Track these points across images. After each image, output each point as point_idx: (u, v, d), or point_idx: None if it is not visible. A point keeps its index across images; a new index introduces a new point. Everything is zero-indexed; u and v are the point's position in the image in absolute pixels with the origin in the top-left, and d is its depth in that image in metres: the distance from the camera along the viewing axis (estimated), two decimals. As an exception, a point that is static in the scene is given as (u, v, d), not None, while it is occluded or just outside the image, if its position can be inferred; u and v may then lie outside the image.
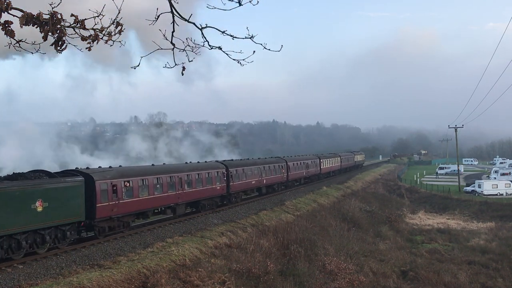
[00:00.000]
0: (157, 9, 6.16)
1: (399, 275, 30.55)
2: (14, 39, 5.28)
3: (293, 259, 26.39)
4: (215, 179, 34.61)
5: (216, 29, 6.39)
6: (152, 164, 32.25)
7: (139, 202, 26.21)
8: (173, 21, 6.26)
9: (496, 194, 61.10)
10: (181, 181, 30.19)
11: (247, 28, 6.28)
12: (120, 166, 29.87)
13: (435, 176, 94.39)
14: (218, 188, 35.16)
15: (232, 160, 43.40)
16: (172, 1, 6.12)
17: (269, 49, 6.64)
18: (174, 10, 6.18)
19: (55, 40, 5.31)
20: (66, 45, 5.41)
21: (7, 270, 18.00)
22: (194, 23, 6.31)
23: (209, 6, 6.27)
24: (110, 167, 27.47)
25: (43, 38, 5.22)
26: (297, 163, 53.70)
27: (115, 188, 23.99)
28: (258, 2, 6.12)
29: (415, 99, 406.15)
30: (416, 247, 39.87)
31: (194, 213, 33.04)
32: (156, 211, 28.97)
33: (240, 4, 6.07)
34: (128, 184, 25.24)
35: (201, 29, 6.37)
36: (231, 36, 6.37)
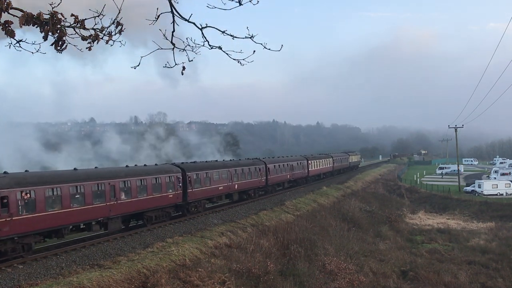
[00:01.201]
0: (157, 9, 6.16)
1: (399, 275, 30.54)
2: (14, 39, 5.28)
3: (293, 259, 26.38)
4: (165, 185, 29.06)
5: (216, 29, 6.39)
6: (75, 168, 25.12)
7: (46, 218, 20.77)
8: (173, 21, 6.25)
9: (496, 194, 61.09)
10: (114, 189, 24.68)
11: (247, 28, 6.28)
12: (26, 170, 22.84)
13: (440, 177, 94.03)
14: (171, 196, 29.50)
15: (195, 162, 36.92)
16: (172, 1, 6.11)
17: (269, 49, 6.64)
18: (174, 10, 6.18)
19: (55, 40, 5.30)
20: (66, 45, 5.41)
21: (7, 270, 18.01)
22: (194, 23, 6.31)
23: (209, 6, 6.27)
24: (26, 171, 22.61)
25: (43, 38, 5.22)
26: (279, 165, 48.57)
27: (5, 201, 19.05)
28: (258, 2, 6.12)
29: (415, 99, 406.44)
30: (416, 247, 39.87)
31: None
32: (75, 227, 23.33)
33: (240, 4, 6.07)
34: (27, 195, 20.13)
35: (201, 29, 6.37)
36: (231, 36, 6.37)
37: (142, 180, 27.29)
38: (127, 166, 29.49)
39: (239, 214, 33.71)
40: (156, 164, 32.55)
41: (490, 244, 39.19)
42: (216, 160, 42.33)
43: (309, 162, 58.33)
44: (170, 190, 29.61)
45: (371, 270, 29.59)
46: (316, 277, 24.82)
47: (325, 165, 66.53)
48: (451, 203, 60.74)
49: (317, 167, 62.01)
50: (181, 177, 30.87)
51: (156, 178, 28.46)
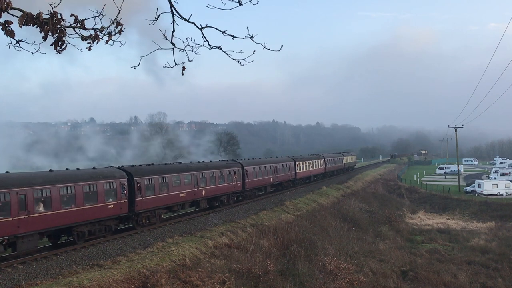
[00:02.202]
0: (157, 9, 6.16)
1: (399, 275, 30.55)
2: (14, 39, 5.28)
3: (293, 259, 26.38)
4: (103, 193, 24.23)
5: (216, 29, 6.39)
6: None
7: None
8: (173, 21, 6.25)
9: (496, 194, 61.08)
10: (25, 200, 19.97)
11: (247, 28, 6.28)
12: None
13: (443, 177, 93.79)
14: (111, 206, 24.54)
15: (150, 165, 31.86)
16: (172, 1, 6.11)
17: (269, 49, 6.64)
18: (174, 10, 6.18)
19: (55, 40, 5.30)
20: (66, 45, 5.41)
21: (7, 270, 18.00)
22: (194, 23, 6.31)
23: (209, 6, 6.27)
24: None
25: (43, 38, 5.22)
26: (259, 168, 43.41)
27: None
28: (258, 2, 6.12)
29: (415, 99, 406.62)
30: (416, 247, 39.87)
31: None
32: None
33: (240, 4, 6.07)
34: None
35: (201, 29, 6.37)
36: (231, 36, 6.37)
37: (69, 188, 22.20)
38: (50, 170, 23.87)
39: (239, 214, 33.71)
40: (94, 168, 27.00)
41: (490, 244, 39.19)
42: (180, 163, 36.28)
43: (297, 163, 53.63)
44: (111, 199, 24.40)
45: (371, 270, 29.59)
46: (316, 277, 24.82)
47: (315, 167, 61.56)
48: (451, 203, 60.73)
49: (306, 168, 57.33)
50: (126, 183, 25.60)
51: (90, 185, 23.48)
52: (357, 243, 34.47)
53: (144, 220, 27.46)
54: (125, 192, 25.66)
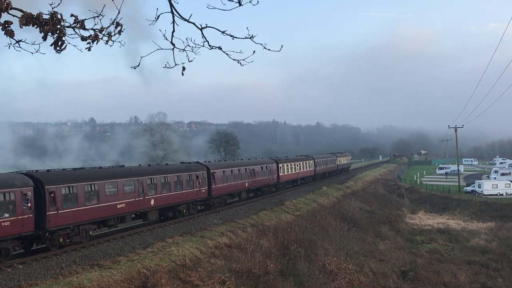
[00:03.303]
0: (157, 9, 6.17)
1: (399, 275, 30.55)
2: (14, 39, 5.28)
3: (293, 259, 26.38)
4: None
5: (216, 29, 6.39)
6: None
7: None
8: (173, 21, 6.25)
9: (496, 194, 61.08)
10: None
11: (247, 28, 6.28)
12: None
13: (444, 177, 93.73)
14: (7, 224, 19.10)
15: (77, 169, 25.00)
16: (172, 1, 6.11)
17: (269, 49, 6.64)
18: (174, 10, 6.18)
19: (54, 40, 5.31)
20: (66, 45, 5.41)
21: (7, 270, 18.01)
22: (194, 23, 6.31)
23: (209, 6, 6.27)
24: None
25: (42, 38, 5.22)
26: (231, 171, 37.96)
27: None
28: (258, 2, 6.12)
29: (415, 99, 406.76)
30: (416, 247, 39.87)
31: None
32: None
33: (240, 4, 6.07)
34: None
35: (201, 29, 6.37)
36: (231, 36, 6.37)
37: None
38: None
39: (239, 214, 33.71)
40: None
41: (490, 244, 39.18)
42: (123, 165, 30.81)
43: (280, 165, 48.64)
44: (6, 215, 19.08)
45: (371, 270, 29.59)
46: (316, 277, 24.82)
47: (303, 169, 56.59)
48: (451, 203, 60.73)
49: (291, 171, 52.25)
50: (31, 194, 20.32)
51: None
52: (357, 243, 34.47)
53: (61, 239, 21.75)
54: (29, 204, 20.21)
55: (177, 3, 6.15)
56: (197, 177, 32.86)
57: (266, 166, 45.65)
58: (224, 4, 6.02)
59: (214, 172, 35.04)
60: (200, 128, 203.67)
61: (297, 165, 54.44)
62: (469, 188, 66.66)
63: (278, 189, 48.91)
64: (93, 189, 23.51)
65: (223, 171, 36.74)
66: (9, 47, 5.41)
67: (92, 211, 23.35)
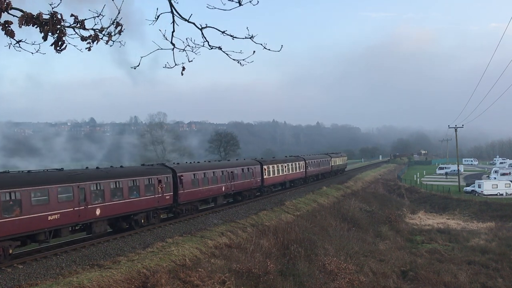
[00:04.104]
0: (157, 9, 6.17)
1: (399, 275, 30.54)
2: (14, 39, 5.28)
3: (293, 259, 26.39)
4: None
5: (216, 29, 6.39)
6: None
7: None
8: (173, 21, 6.25)
9: (496, 194, 61.10)
10: None
11: (247, 28, 6.28)
12: None
13: (444, 177, 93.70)
14: None
15: (22, 171, 22.83)
16: (172, 1, 6.12)
17: (269, 49, 6.64)
18: (174, 10, 6.18)
19: (55, 40, 5.31)
20: (66, 45, 5.41)
21: (7, 270, 18.01)
22: (194, 23, 6.31)
23: (209, 6, 6.27)
24: None
25: (43, 38, 5.22)
26: (203, 174, 33.85)
27: None
28: (258, 2, 6.12)
29: (415, 99, 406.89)
30: (416, 247, 39.87)
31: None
32: None
33: (240, 4, 6.07)
34: None
35: (201, 29, 6.37)
36: (231, 36, 6.37)
37: None
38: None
39: (239, 214, 33.70)
40: None
41: (490, 244, 39.19)
42: (61, 169, 24.51)
43: (265, 167, 44.71)
44: None
45: (371, 270, 29.59)
46: (316, 277, 24.83)
47: (292, 171, 52.94)
48: (451, 203, 60.75)
49: (278, 173, 48.31)
50: None
51: None
52: (357, 243, 34.47)
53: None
54: None
55: (177, 3, 6.16)
56: (160, 181, 28.67)
57: (248, 168, 41.44)
58: (224, 4, 6.03)
59: (182, 176, 31.03)
60: (200, 128, 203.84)
61: (285, 166, 50.76)
62: (469, 188, 66.69)
63: (262, 193, 45.08)
64: (13, 197, 19.43)
65: (194, 174, 32.69)
66: (9, 47, 5.41)
67: (12, 225, 19.27)
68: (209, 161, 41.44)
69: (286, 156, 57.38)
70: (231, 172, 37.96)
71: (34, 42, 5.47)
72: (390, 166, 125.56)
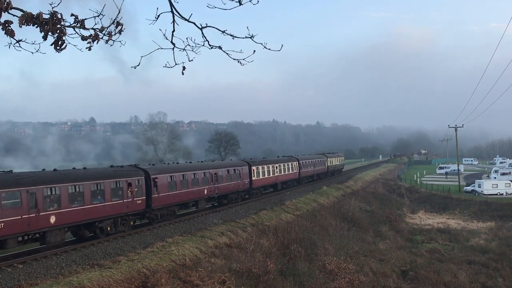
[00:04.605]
0: (157, 8, 6.16)
1: (399, 275, 30.54)
2: (14, 39, 5.28)
3: (293, 259, 26.39)
4: None
5: (216, 28, 6.39)
6: None
7: None
8: (173, 21, 6.25)
9: (496, 194, 61.09)
10: None
11: (247, 27, 6.28)
12: None
13: (444, 177, 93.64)
14: None
15: None
16: (172, 1, 6.11)
17: (269, 49, 6.64)
18: (174, 10, 6.18)
19: (55, 40, 5.30)
20: (66, 45, 5.41)
21: (7, 270, 18.01)
22: (194, 23, 6.31)
23: (209, 6, 6.27)
24: None
25: (43, 38, 5.22)
26: (182, 176, 31.37)
27: None
28: (258, 1, 6.11)
29: (415, 99, 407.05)
30: (416, 247, 39.87)
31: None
32: None
33: (240, 4, 6.07)
34: None
35: (201, 29, 6.37)
36: (231, 35, 6.37)
37: None
38: None
39: (239, 214, 33.71)
40: None
41: (490, 244, 39.20)
42: (10, 171, 22.35)
43: (253, 168, 42.17)
44: None
45: (371, 270, 29.59)
46: (316, 276, 24.82)
47: (284, 171, 50.38)
48: (451, 203, 60.75)
49: (268, 174, 45.74)
50: None
51: None
52: (357, 243, 34.48)
53: None
54: None
55: (177, 2, 6.15)
56: (130, 184, 26.06)
57: (235, 170, 39.00)
58: (224, 4, 6.02)
59: (156, 178, 28.44)
60: (200, 128, 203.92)
61: (276, 167, 48.08)
62: (469, 188, 66.68)
63: (250, 196, 42.38)
64: None
65: (170, 177, 30.14)
66: (9, 47, 5.41)
67: None
68: (190, 162, 38.98)
69: (278, 157, 55.85)
70: (215, 173, 35.53)
71: (34, 41, 5.47)
72: (390, 165, 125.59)
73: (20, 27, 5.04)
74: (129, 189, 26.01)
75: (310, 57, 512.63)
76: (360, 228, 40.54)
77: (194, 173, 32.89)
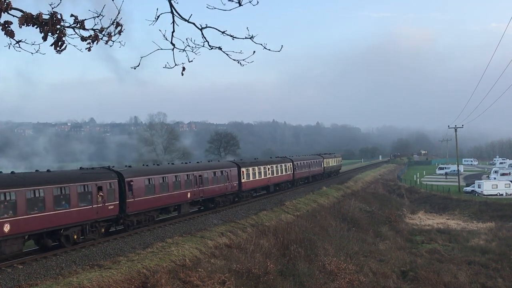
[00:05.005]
0: (157, 9, 6.17)
1: (399, 275, 30.55)
2: (14, 40, 5.28)
3: (293, 259, 26.39)
4: None
5: (216, 29, 6.39)
6: None
7: None
8: (173, 21, 6.25)
9: (496, 194, 61.11)
10: None
11: (247, 28, 6.28)
12: None
13: (444, 177, 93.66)
14: None
15: None
16: (172, 1, 6.11)
17: (269, 49, 6.64)
18: (174, 10, 6.18)
19: (54, 41, 5.31)
20: (66, 45, 5.41)
21: (7, 270, 18.01)
22: (194, 23, 6.31)
23: (209, 6, 6.27)
24: None
25: (43, 39, 5.22)
26: (162, 179, 29.22)
27: None
28: (258, 2, 6.12)
29: (415, 99, 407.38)
30: (416, 247, 39.88)
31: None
32: None
33: (240, 4, 6.07)
34: None
35: (201, 29, 6.37)
36: (231, 36, 6.37)
37: None
38: None
39: (239, 214, 33.70)
40: None
41: (490, 244, 39.20)
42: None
43: (243, 170, 40.04)
44: None
45: (371, 270, 29.60)
46: (316, 277, 24.82)
47: (277, 173, 48.25)
48: (451, 203, 60.76)
49: (259, 176, 43.56)
50: None
51: None
52: (357, 243, 34.48)
53: None
54: None
55: (177, 3, 6.16)
56: (100, 188, 23.92)
57: (222, 171, 36.88)
58: (224, 4, 6.03)
59: (131, 181, 26.32)
60: (200, 128, 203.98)
61: (268, 168, 45.92)
62: (469, 188, 66.70)
63: (240, 199, 40.28)
64: None
65: (148, 179, 27.96)
66: (9, 47, 5.41)
67: None
68: (173, 163, 35.67)
69: (271, 158, 53.97)
70: (199, 176, 33.38)
71: (34, 42, 5.47)
72: (390, 166, 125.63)
73: (20, 27, 5.04)
74: (99, 194, 23.88)
75: (310, 57, 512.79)
76: (360, 229, 40.54)
77: (175, 176, 30.75)
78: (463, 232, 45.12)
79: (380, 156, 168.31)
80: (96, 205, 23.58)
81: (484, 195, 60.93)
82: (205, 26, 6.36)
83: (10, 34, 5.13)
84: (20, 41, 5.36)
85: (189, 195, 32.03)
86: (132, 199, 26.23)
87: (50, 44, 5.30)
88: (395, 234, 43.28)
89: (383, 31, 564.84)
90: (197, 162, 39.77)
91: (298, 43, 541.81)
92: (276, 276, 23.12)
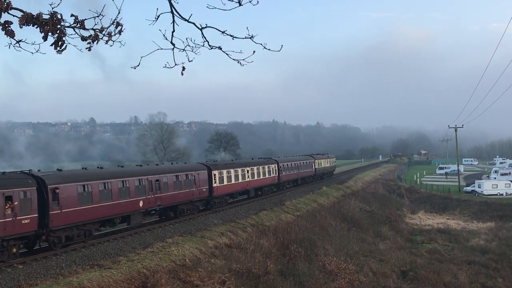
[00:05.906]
0: (157, 9, 6.17)
1: (399, 275, 30.54)
2: (14, 39, 5.28)
3: (293, 259, 26.39)
4: None
5: (216, 29, 6.39)
6: None
7: None
8: (173, 21, 6.25)
9: (496, 194, 61.10)
10: None
11: (247, 28, 6.28)
12: None
13: (444, 177, 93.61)
14: None
15: None
16: (172, 1, 6.12)
17: (269, 49, 6.64)
18: (174, 10, 6.18)
19: (55, 40, 5.31)
20: (66, 45, 5.41)
21: (7, 270, 18.01)
22: (194, 23, 6.31)
23: (209, 6, 6.27)
24: None
25: (43, 38, 5.23)
26: (104, 186, 24.51)
27: None
28: (258, 2, 6.12)
29: (415, 99, 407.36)
30: (416, 247, 39.87)
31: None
32: None
33: (240, 4, 6.07)
34: None
35: (201, 29, 6.37)
36: (231, 36, 6.37)
37: None
38: None
39: (239, 214, 33.69)
40: None
41: (490, 244, 39.20)
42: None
43: (214, 173, 35.38)
44: None
45: (371, 270, 29.59)
46: (316, 277, 24.82)
47: (258, 176, 43.22)
48: (451, 203, 60.75)
49: (236, 180, 38.65)
50: None
51: None
52: (357, 243, 34.47)
53: None
54: None
55: (177, 3, 6.16)
56: (9, 198, 19.22)
57: (187, 175, 32.11)
58: (224, 4, 6.03)
59: (57, 189, 21.45)
60: (200, 128, 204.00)
61: (248, 171, 40.99)
62: (469, 188, 66.69)
63: (212, 206, 35.51)
64: None
65: (82, 186, 23.07)
66: (9, 47, 5.41)
67: None
68: (122, 166, 32.40)
69: (252, 158, 50.00)
70: (156, 180, 28.67)
71: (34, 42, 5.48)
72: (390, 166, 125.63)
73: (21, 27, 5.04)
74: (8, 205, 19.15)
75: (310, 57, 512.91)
76: (360, 229, 40.54)
77: (122, 181, 25.80)
78: (463, 232, 45.11)
79: (380, 156, 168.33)
80: (2, 220, 18.73)
81: (484, 195, 60.93)
82: (205, 26, 6.36)
83: (10, 34, 5.14)
84: (20, 40, 5.37)
85: (141, 204, 27.24)
86: (58, 211, 21.34)
87: (50, 44, 5.30)
88: (395, 234, 43.27)
89: (383, 31, 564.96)
90: (156, 164, 36.21)
91: (298, 43, 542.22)
92: (276, 276, 23.11)
